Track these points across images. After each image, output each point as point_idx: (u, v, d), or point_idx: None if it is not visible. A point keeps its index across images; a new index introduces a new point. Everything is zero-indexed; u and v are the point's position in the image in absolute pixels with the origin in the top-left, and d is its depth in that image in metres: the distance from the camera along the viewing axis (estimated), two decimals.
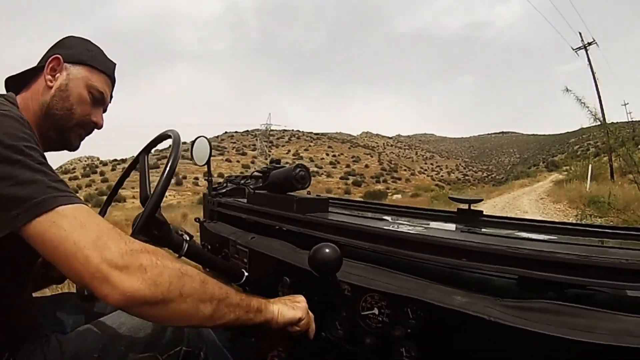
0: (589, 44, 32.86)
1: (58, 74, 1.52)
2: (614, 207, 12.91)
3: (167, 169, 1.43)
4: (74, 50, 1.57)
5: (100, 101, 1.62)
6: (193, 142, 2.34)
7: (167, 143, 1.73)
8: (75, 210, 1.04)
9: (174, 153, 1.49)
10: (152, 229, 1.53)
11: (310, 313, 1.41)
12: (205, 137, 2.37)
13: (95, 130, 1.67)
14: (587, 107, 15.36)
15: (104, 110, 1.68)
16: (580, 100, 15.45)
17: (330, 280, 1.32)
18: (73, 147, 1.64)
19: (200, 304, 1.08)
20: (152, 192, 1.43)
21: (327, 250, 1.25)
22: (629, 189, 13.76)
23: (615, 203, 13.21)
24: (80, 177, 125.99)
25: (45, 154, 1.20)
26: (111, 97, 1.71)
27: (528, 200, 24.38)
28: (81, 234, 0.99)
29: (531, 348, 0.98)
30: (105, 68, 1.63)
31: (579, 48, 33.22)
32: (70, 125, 1.55)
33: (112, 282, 0.96)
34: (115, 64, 1.71)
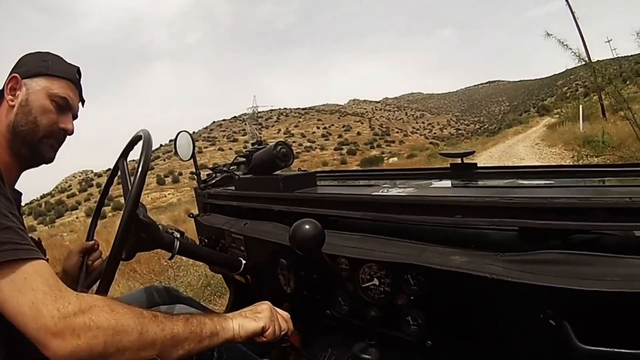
0: None
1: (18, 92, 1.50)
2: (608, 145, 13.02)
3: (140, 168, 1.37)
4: (30, 65, 1.55)
5: (66, 107, 1.58)
6: (175, 138, 2.29)
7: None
8: (14, 270, 1.04)
9: (145, 151, 1.44)
10: (139, 232, 1.50)
11: (279, 317, 1.40)
12: (187, 131, 2.32)
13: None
14: (570, 48, 15.29)
15: (75, 116, 1.65)
16: (562, 42, 15.37)
17: (317, 257, 1.28)
18: (48, 159, 1.60)
19: (142, 352, 1.08)
20: (127, 197, 1.39)
21: (306, 227, 1.21)
22: (621, 126, 13.71)
23: (609, 141, 13.31)
24: (77, 193, 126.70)
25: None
26: (82, 100, 1.69)
27: (524, 147, 24.51)
28: (18, 299, 1.00)
29: (540, 303, 0.93)
30: (64, 73, 1.60)
31: None
32: (38, 137, 1.52)
33: (51, 349, 0.98)
34: (77, 67, 1.66)
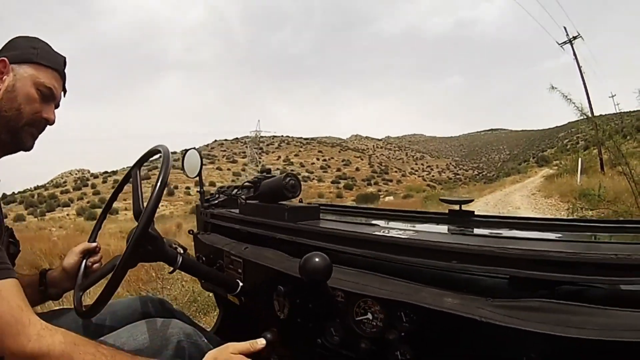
0: (574, 37, 33.14)
1: (5, 76, 1.52)
2: (604, 199, 13.01)
3: (158, 184, 1.43)
4: (19, 51, 1.57)
5: (50, 97, 1.61)
6: (184, 154, 2.34)
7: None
8: None
9: (164, 168, 1.49)
10: (145, 244, 1.53)
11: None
12: (196, 149, 2.36)
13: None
14: (573, 102, 15.47)
15: (57, 106, 1.68)
16: (566, 96, 15.54)
17: (321, 289, 1.33)
18: (27, 147, 1.63)
19: None
20: (144, 208, 1.43)
21: (316, 260, 1.26)
22: (618, 180, 13.85)
23: (605, 195, 13.28)
24: (71, 190, 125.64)
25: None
26: (65, 90, 1.71)
27: (520, 196, 24.55)
28: None
29: (525, 346, 0.98)
30: (52, 63, 1.62)
31: (565, 42, 33.52)
32: (20, 124, 1.55)
33: None
34: (64, 58, 1.69)
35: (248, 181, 2.52)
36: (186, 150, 2.34)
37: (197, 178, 2.42)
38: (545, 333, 0.93)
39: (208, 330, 2.48)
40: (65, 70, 1.70)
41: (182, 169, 2.39)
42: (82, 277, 1.85)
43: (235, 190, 2.65)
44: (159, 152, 1.67)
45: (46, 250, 9.08)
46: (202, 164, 2.35)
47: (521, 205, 20.02)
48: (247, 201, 2.27)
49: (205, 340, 1.65)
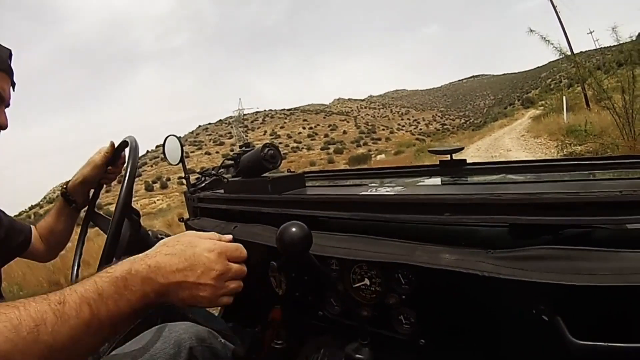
0: None
1: None
2: (590, 133, 13.59)
3: (127, 175, 1.40)
4: None
5: None
6: (163, 143, 2.29)
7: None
8: None
9: (132, 159, 1.45)
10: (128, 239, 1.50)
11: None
12: (175, 135, 2.32)
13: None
14: (552, 43, 15.78)
15: (7, 105, 1.56)
16: (544, 38, 15.85)
17: (305, 259, 1.28)
18: None
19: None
20: (117, 203, 1.38)
21: (293, 229, 1.20)
22: (604, 115, 14.28)
23: (591, 130, 13.87)
24: None
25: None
26: (13, 84, 1.58)
27: (509, 139, 24.98)
28: None
29: (532, 298, 0.94)
30: None
31: None
32: None
33: None
34: (8, 51, 1.55)
35: (228, 158, 2.50)
36: (165, 138, 2.29)
37: (181, 165, 2.38)
38: (553, 283, 0.88)
39: (215, 315, 2.45)
40: (12, 63, 1.56)
41: (164, 157, 2.34)
42: None
43: (219, 170, 2.61)
44: (127, 143, 1.62)
45: (58, 264, 9.14)
46: (182, 150, 2.31)
47: (512, 147, 20.53)
48: (230, 179, 2.23)
49: (222, 340, 1.59)
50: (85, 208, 1.96)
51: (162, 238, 1.65)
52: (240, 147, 2.31)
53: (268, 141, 1.89)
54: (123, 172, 1.43)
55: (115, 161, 1.92)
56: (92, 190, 1.98)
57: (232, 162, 2.42)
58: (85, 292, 0.92)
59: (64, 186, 1.93)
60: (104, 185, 2.05)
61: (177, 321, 1.58)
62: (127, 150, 1.56)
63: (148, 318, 1.87)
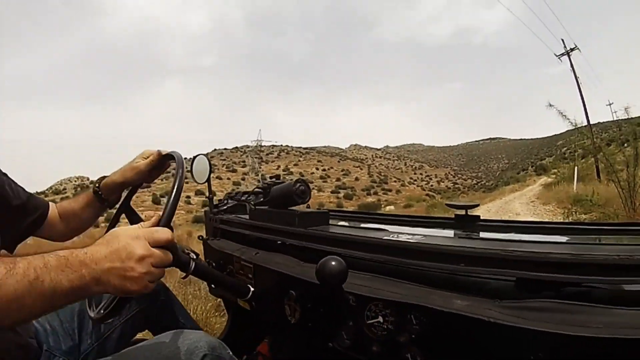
0: (572, 49, 33.51)
1: None
2: (595, 204, 14.04)
3: (175, 188, 1.44)
4: None
5: None
6: (192, 160, 2.31)
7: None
8: None
9: (180, 173, 1.50)
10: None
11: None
12: (205, 155, 2.33)
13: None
14: (568, 119, 16.44)
15: None
16: (562, 113, 16.44)
17: (337, 292, 1.37)
18: None
19: None
20: (162, 212, 1.41)
21: (333, 263, 1.29)
22: (612, 188, 14.52)
23: (597, 200, 14.27)
24: (71, 197, 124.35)
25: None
26: None
27: (519, 204, 24.78)
28: None
29: (532, 346, 1.00)
30: None
31: (562, 54, 33.79)
32: None
33: None
34: None
35: (258, 187, 2.56)
36: (195, 156, 2.35)
37: (206, 184, 2.42)
38: (551, 332, 0.96)
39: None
40: None
41: (191, 175, 2.31)
42: None
43: (245, 195, 2.67)
44: (173, 157, 1.69)
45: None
46: (210, 170, 2.33)
47: (521, 212, 20.46)
48: (257, 207, 2.28)
49: (230, 353, 1.61)
50: (115, 205, 1.97)
51: (188, 253, 1.67)
52: (271, 177, 2.36)
53: (281, 176, 1.94)
54: (171, 185, 1.46)
55: (158, 170, 1.96)
56: (125, 191, 2.01)
57: (261, 191, 2.46)
58: (34, 259, 1.06)
59: (97, 184, 1.94)
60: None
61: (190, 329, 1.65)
62: (174, 164, 1.61)
63: (162, 324, 1.93)
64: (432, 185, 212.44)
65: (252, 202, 2.49)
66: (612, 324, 0.93)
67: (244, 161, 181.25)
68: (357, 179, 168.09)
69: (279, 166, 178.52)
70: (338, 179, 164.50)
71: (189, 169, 2.05)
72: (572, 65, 32.62)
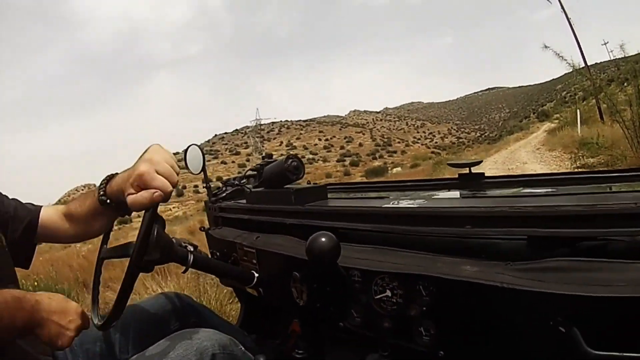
0: None
1: None
2: (601, 146, 13.84)
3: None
4: None
5: None
6: (185, 151, 2.29)
7: None
8: None
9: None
10: (152, 254, 1.45)
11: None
12: (197, 145, 2.33)
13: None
14: (565, 60, 16.42)
15: None
16: (558, 54, 16.28)
17: (332, 269, 1.33)
18: None
19: None
20: (142, 221, 1.36)
21: (322, 239, 1.25)
22: (617, 128, 14.36)
23: (603, 143, 14.03)
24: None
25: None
26: None
27: (525, 152, 25.10)
28: None
29: (551, 310, 0.95)
30: None
31: None
32: None
33: None
34: None
35: (251, 169, 2.51)
36: (187, 148, 2.30)
37: (202, 174, 2.40)
38: (570, 294, 0.90)
39: (233, 324, 2.45)
40: None
41: (185, 166, 2.29)
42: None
43: (241, 180, 2.62)
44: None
45: (83, 265, 9.10)
46: (204, 159, 2.32)
47: (527, 160, 20.75)
48: (253, 189, 2.24)
49: (242, 349, 1.58)
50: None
51: (185, 246, 1.67)
52: (263, 157, 2.31)
53: (284, 152, 1.89)
54: None
55: None
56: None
57: (255, 172, 2.42)
58: None
59: (102, 190, 1.61)
60: None
61: (192, 327, 1.60)
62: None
63: (163, 322, 1.89)
64: (436, 142, 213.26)
65: (248, 186, 2.44)
66: (636, 280, 0.86)
67: (246, 142, 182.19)
68: (360, 144, 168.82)
69: (281, 142, 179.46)
70: (342, 147, 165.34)
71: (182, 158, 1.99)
72: (562, 7, 32.51)
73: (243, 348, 1.59)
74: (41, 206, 1.82)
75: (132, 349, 1.74)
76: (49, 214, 1.80)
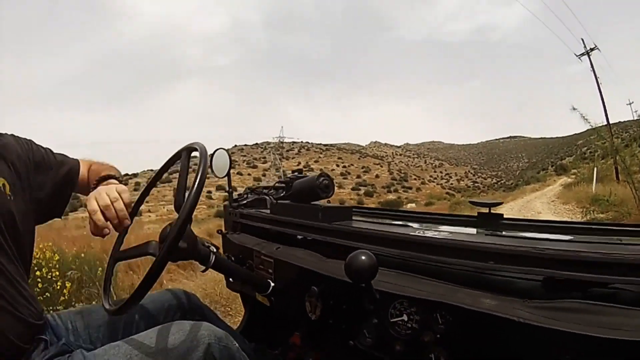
0: (591, 49, 33.63)
1: None
2: (612, 203, 14.87)
3: (198, 179, 1.39)
4: None
5: None
6: (212, 154, 2.32)
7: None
8: None
9: (202, 164, 1.45)
10: (183, 242, 1.50)
11: None
12: (225, 149, 2.36)
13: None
14: (589, 122, 17.51)
15: None
16: (583, 117, 17.36)
17: (365, 288, 1.34)
18: None
19: None
20: (184, 203, 1.37)
21: (363, 258, 1.27)
22: (629, 188, 15.18)
23: (613, 200, 15.09)
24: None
25: None
26: None
27: (540, 203, 25.17)
28: None
29: (559, 347, 0.99)
30: None
31: (582, 54, 33.91)
32: None
33: None
34: None
35: (279, 181, 2.53)
36: (215, 151, 2.34)
37: (226, 179, 2.44)
38: (580, 333, 0.94)
39: (234, 329, 2.47)
40: None
41: (211, 169, 2.32)
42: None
43: (266, 189, 2.65)
44: (196, 149, 1.65)
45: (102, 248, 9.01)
46: (230, 164, 2.36)
47: (542, 210, 20.99)
48: (279, 201, 2.27)
49: (237, 345, 1.61)
50: None
51: (208, 246, 1.70)
52: (293, 172, 2.35)
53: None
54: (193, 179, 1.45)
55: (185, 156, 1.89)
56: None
57: (283, 185, 2.43)
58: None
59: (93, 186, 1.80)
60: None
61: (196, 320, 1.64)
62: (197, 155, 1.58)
63: (167, 317, 1.91)
64: (452, 184, 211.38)
65: (273, 196, 2.47)
66: None
67: (264, 157, 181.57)
68: (377, 176, 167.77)
69: (299, 162, 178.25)
70: (358, 176, 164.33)
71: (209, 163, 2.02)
72: (592, 65, 32.78)
73: (237, 345, 1.61)
74: (78, 160, 1.94)
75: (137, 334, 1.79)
76: (84, 169, 1.93)
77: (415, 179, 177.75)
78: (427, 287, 1.33)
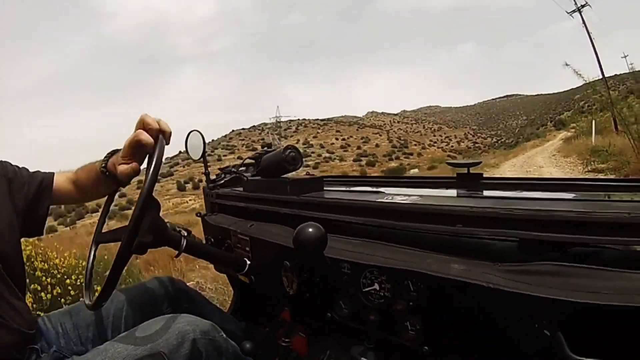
0: (582, 6, 33.93)
1: None
2: (611, 154, 15.63)
3: (152, 167, 1.36)
4: None
5: None
6: (187, 136, 2.33)
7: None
8: None
9: (157, 152, 1.40)
10: (145, 236, 1.50)
11: None
12: (198, 131, 2.36)
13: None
14: (583, 77, 18.82)
15: None
16: (577, 72, 18.73)
17: (318, 260, 1.34)
18: None
19: None
20: (140, 191, 1.33)
21: (309, 230, 1.26)
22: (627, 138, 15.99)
23: (612, 151, 15.85)
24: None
25: None
26: None
27: (542, 158, 25.94)
28: None
29: (536, 313, 0.94)
30: None
31: (573, 11, 34.50)
32: None
33: None
34: None
35: (249, 157, 2.53)
36: (189, 133, 2.32)
37: (205, 161, 2.46)
38: (556, 298, 0.89)
39: (224, 311, 2.50)
40: None
41: (186, 151, 2.36)
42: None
43: (239, 168, 2.63)
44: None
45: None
46: (205, 145, 2.35)
47: (544, 164, 21.82)
48: (250, 178, 2.27)
49: (224, 336, 1.61)
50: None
51: (179, 231, 1.70)
52: (262, 147, 2.32)
53: (301, 149, 1.90)
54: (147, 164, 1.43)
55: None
56: None
57: (253, 161, 2.44)
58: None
59: (104, 163, 1.74)
60: None
61: (182, 313, 1.61)
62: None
63: (155, 307, 1.90)
64: (452, 146, 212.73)
65: (246, 174, 2.48)
66: (624, 289, 0.84)
67: (262, 139, 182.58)
68: (377, 145, 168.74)
69: (298, 140, 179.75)
70: (359, 147, 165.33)
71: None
72: (584, 21, 33.10)
73: (225, 335, 1.61)
74: (53, 172, 1.89)
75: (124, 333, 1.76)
76: (61, 179, 1.88)
77: (415, 145, 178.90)
78: (396, 255, 1.29)
